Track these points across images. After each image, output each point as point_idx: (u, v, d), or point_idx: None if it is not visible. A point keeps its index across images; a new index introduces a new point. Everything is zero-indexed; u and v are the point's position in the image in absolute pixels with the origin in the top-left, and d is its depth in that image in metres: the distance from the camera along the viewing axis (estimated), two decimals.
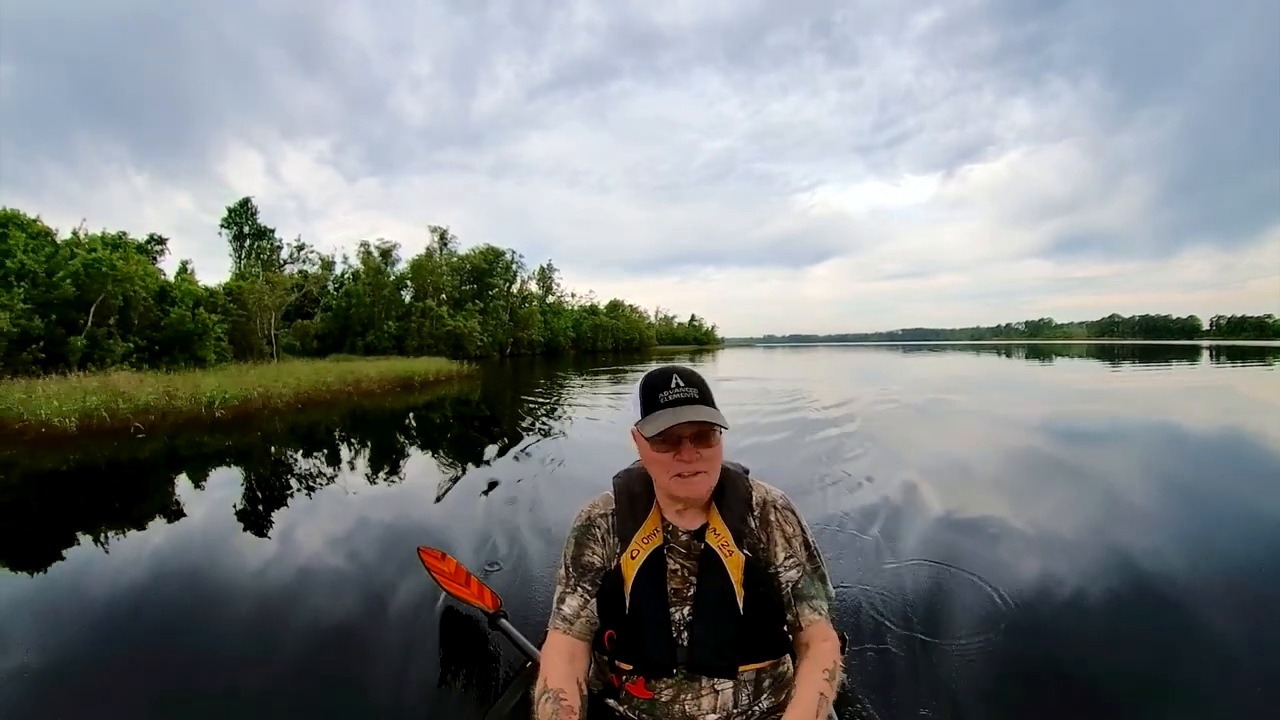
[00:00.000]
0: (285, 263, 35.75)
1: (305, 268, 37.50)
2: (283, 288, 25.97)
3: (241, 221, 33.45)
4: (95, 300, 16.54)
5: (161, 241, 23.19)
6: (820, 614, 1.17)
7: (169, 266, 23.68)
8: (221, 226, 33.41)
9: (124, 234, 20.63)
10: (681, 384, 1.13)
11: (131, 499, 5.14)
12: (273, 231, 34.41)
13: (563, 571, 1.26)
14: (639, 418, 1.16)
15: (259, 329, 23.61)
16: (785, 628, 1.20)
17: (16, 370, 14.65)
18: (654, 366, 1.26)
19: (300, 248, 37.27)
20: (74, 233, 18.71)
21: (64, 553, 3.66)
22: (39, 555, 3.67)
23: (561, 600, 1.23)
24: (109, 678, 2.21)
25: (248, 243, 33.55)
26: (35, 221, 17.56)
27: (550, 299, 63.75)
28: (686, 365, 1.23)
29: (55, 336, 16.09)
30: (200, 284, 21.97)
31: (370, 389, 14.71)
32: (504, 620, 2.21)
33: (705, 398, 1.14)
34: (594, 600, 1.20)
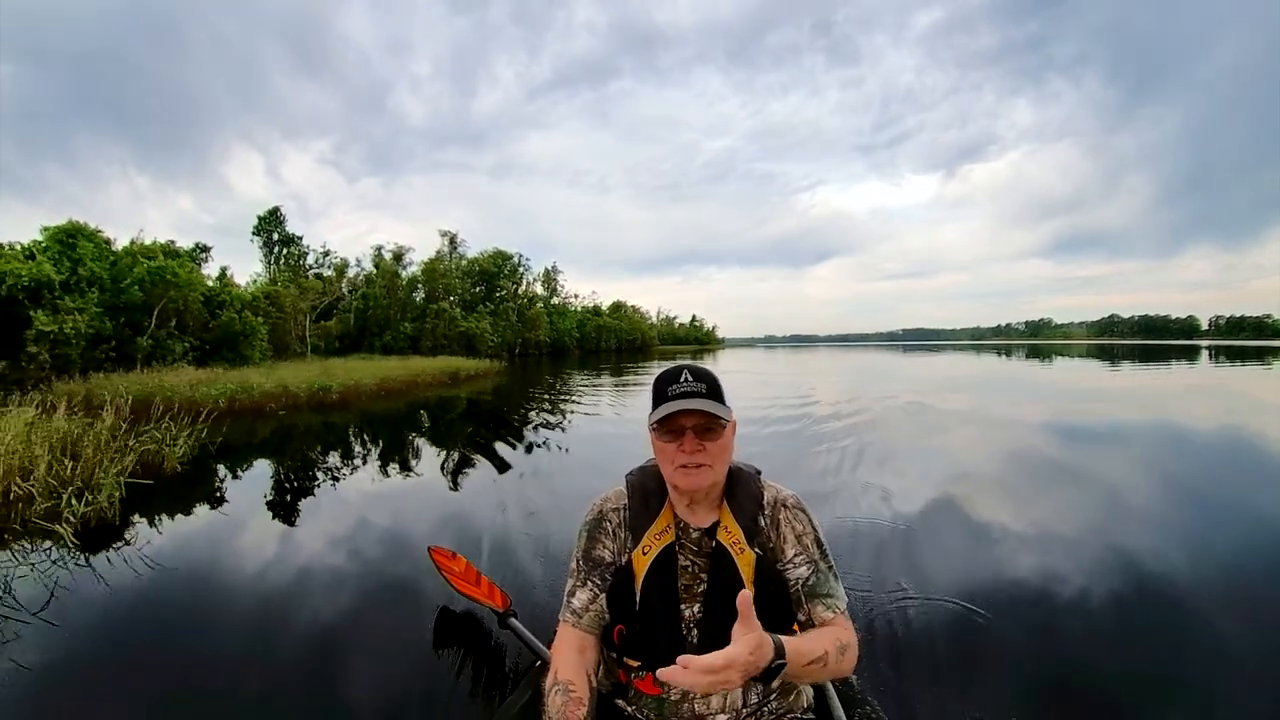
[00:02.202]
0: (311, 268, 37.64)
1: (323, 272, 39.32)
2: (314, 292, 27.75)
3: (271, 229, 35.43)
4: (158, 305, 18.23)
5: (206, 249, 25.11)
6: (836, 611, 1.16)
7: (209, 272, 25.42)
8: (253, 234, 35.48)
9: (173, 242, 22.34)
10: (690, 379, 1.16)
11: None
12: (300, 239, 36.46)
13: (574, 565, 1.27)
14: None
15: (293, 330, 25.34)
16: (797, 627, 1.19)
17: (92, 367, 16.33)
18: (659, 365, 1.70)
19: (326, 254, 39.30)
20: (132, 242, 20.42)
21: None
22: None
23: (572, 594, 1.24)
24: (83, 685, 2.27)
25: (276, 249, 35.53)
26: (98, 232, 19.24)
27: (555, 300, 65.27)
28: (700, 363, 1.24)
29: (123, 337, 17.78)
30: (241, 288, 23.71)
31: (428, 381, 17.83)
32: (514, 619, 2.23)
33: (713, 393, 1.16)
34: (604, 595, 1.22)
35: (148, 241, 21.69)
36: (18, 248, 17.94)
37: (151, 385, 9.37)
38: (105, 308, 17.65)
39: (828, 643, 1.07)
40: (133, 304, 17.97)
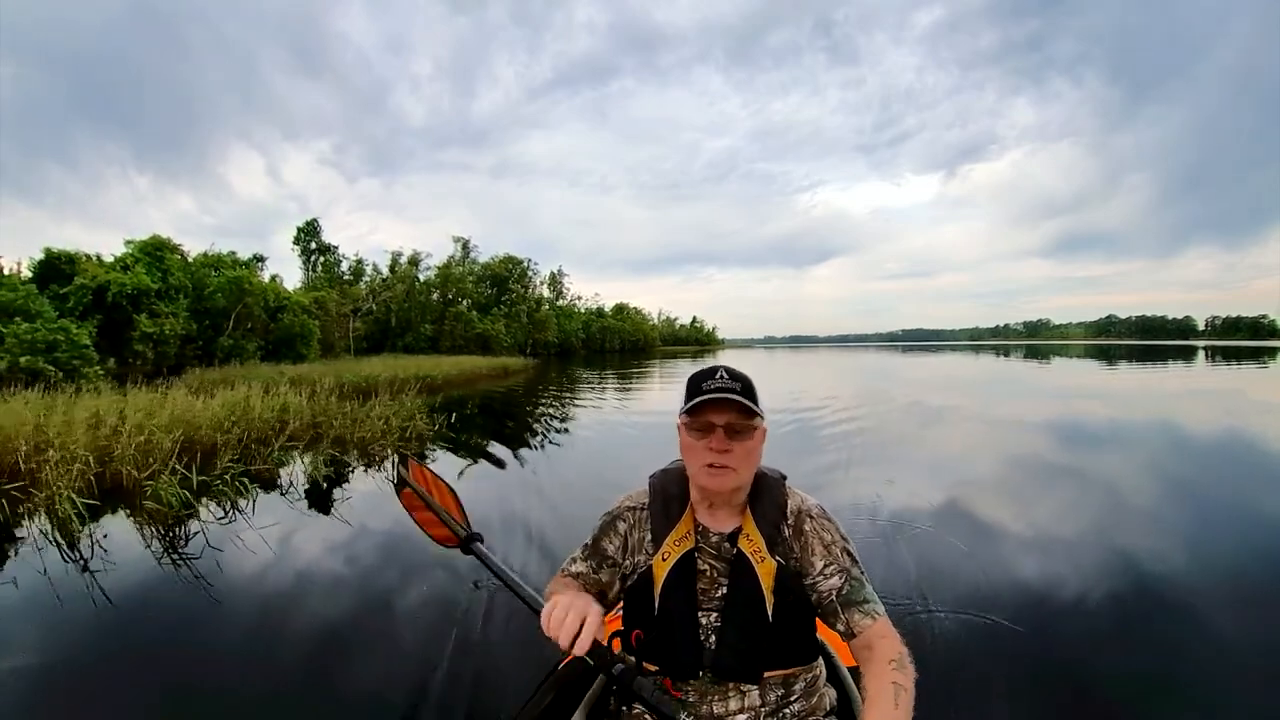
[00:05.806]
0: (344, 275, 40.86)
1: (345, 276, 42.47)
2: (354, 298, 30.84)
3: (309, 239, 38.75)
4: (235, 309, 21.20)
5: (262, 259, 28.17)
6: (875, 617, 1.14)
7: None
8: (293, 243, 39.00)
9: (234, 253, 25.30)
10: (725, 377, 1.18)
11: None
12: (336, 248, 39.95)
13: (584, 544, 1.35)
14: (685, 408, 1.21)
15: (336, 331, 28.34)
16: (836, 636, 1.20)
17: (184, 363, 19.25)
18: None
19: (359, 261, 42.72)
20: (204, 253, 23.38)
21: None
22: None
23: (573, 561, 1.33)
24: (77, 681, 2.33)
25: (313, 257, 38.85)
26: (179, 246, 22.22)
27: (561, 302, 67.93)
28: (733, 365, 1.23)
29: (207, 337, 20.73)
30: (300, 293, 26.68)
31: (485, 374, 22.71)
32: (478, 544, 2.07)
33: (747, 394, 1.17)
34: (597, 575, 1.29)
35: (211, 252, 24.70)
36: (108, 259, 20.87)
37: (290, 374, 12.32)
38: (190, 312, 20.61)
39: (889, 675, 1.04)
40: (214, 309, 20.92)
